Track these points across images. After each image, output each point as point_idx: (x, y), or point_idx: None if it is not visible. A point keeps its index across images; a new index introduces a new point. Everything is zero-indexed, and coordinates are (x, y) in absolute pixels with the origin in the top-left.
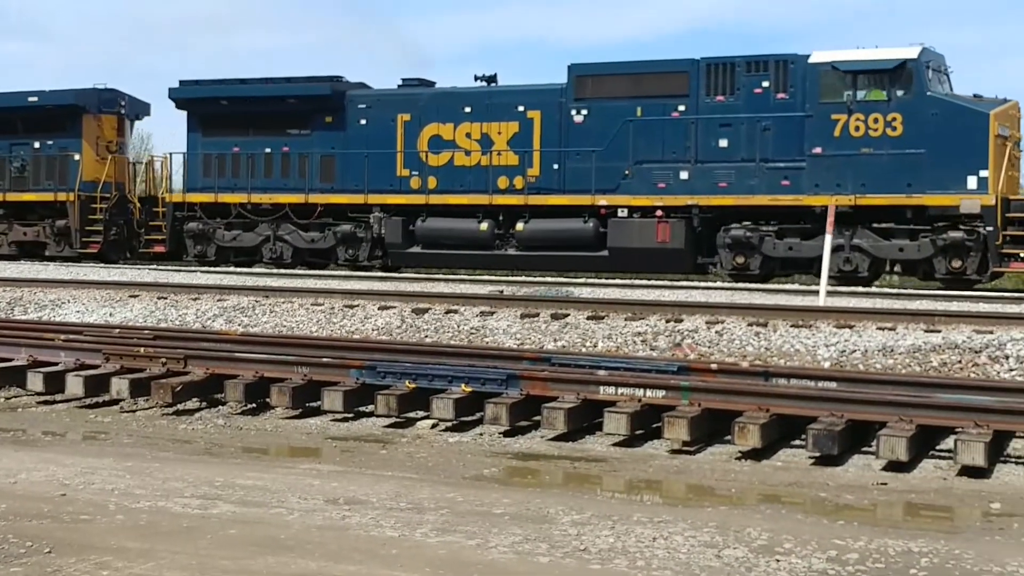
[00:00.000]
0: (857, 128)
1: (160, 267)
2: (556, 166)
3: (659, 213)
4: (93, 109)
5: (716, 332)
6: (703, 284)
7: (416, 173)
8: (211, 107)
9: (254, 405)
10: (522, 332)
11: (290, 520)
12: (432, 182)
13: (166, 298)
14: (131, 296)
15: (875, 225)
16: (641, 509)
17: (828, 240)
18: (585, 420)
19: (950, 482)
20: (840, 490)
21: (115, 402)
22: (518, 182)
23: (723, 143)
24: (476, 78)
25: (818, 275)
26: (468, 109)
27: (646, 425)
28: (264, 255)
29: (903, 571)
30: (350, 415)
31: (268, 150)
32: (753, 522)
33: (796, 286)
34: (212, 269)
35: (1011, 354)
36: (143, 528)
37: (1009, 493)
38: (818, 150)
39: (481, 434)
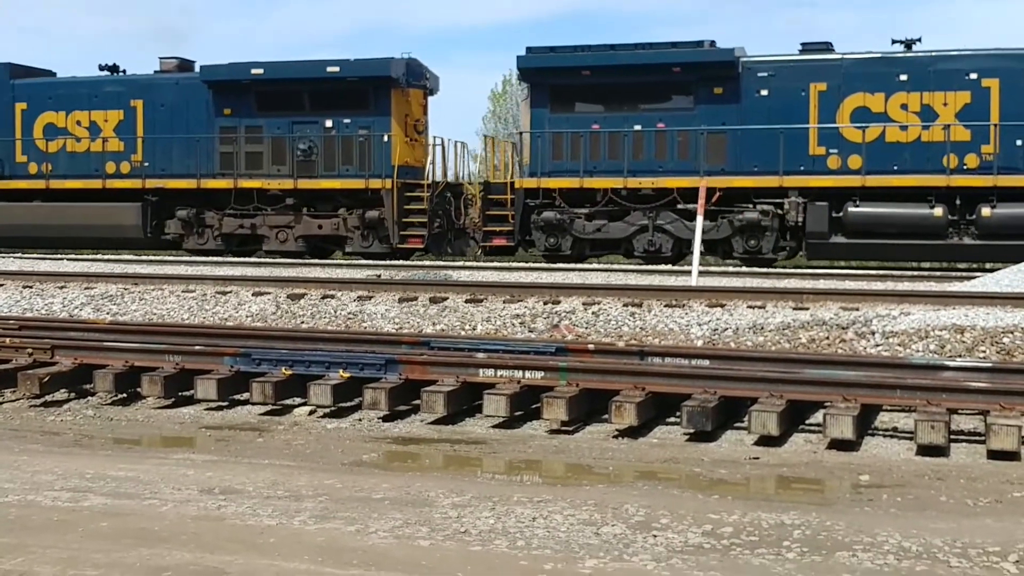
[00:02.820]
0: None
1: (25, 255)
2: (1020, 142)
3: None
4: (402, 82)
5: (593, 313)
6: (579, 266)
7: (835, 151)
8: (567, 78)
9: (125, 395)
10: (400, 316)
11: (164, 511)
12: (855, 161)
13: (31, 287)
14: None
15: None
16: (521, 490)
17: (699, 221)
18: (465, 403)
19: (820, 455)
20: (714, 465)
21: None
22: (970, 160)
23: None
24: (894, 41)
25: None
26: (904, 77)
27: (525, 406)
28: (635, 247)
29: (776, 543)
30: (224, 403)
31: (638, 127)
32: (630, 499)
33: (670, 267)
34: (81, 258)
35: (877, 330)
36: (12, 522)
37: (877, 465)
38: None
39: (360, 419)
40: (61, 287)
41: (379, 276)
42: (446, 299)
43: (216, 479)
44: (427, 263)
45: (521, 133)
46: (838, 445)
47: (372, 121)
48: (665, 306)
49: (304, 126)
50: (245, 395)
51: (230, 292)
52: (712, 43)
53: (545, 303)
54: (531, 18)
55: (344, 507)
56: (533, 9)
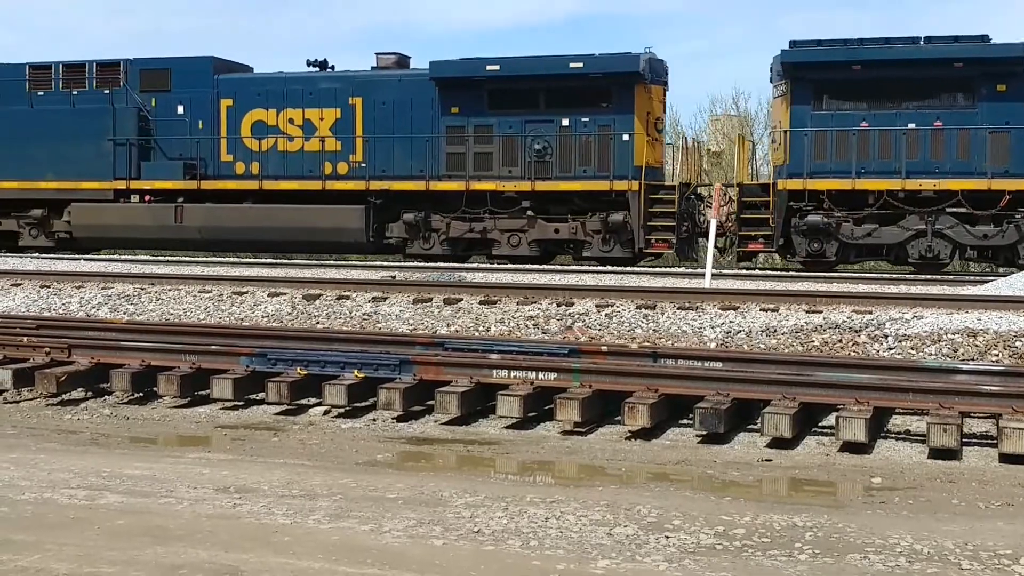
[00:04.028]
0: None
1: (43, 256)
2: None
3: None
4: (647, 78)
5: (606, 315)
6: (593, 268)
7: None
8: (835, 73)
9: (141, 394)
10: (415, 317)
11: (179, 510)
12: None
13: (49, 286)
14: (13, 285)
15: None
16: (534, 490)
17: (713, 224)
18: (478, 404)
19: (832, 458)
20: (726, 467)
21: None
22: None
23: None
24: None
25: None
26: None
27: (538, 407)
28: (910, 253)
29: (788, 545)
30: (240, 403)
31: (912, 125)
32: (643, 500)
33: (683, 269)
34: (98, 258)
35: (890, 333)
36: (29, 520)
37: (889, 468)
38: None
39: (374, 420)
40: (78, 287)
41: (394, 277)
42: (460, 300)
43: (231, 478)
44: (441, 264)
45: (785, 131)
46: (850, 448)
47: (613, 119)
48: (678, 308)
49: (537, 125)
50: (261, 395)
51: (246, 292)
52: (988, 37)
53: (558, 305)
54: (544, 19)
55: (358, 506)
56: (551, 10)
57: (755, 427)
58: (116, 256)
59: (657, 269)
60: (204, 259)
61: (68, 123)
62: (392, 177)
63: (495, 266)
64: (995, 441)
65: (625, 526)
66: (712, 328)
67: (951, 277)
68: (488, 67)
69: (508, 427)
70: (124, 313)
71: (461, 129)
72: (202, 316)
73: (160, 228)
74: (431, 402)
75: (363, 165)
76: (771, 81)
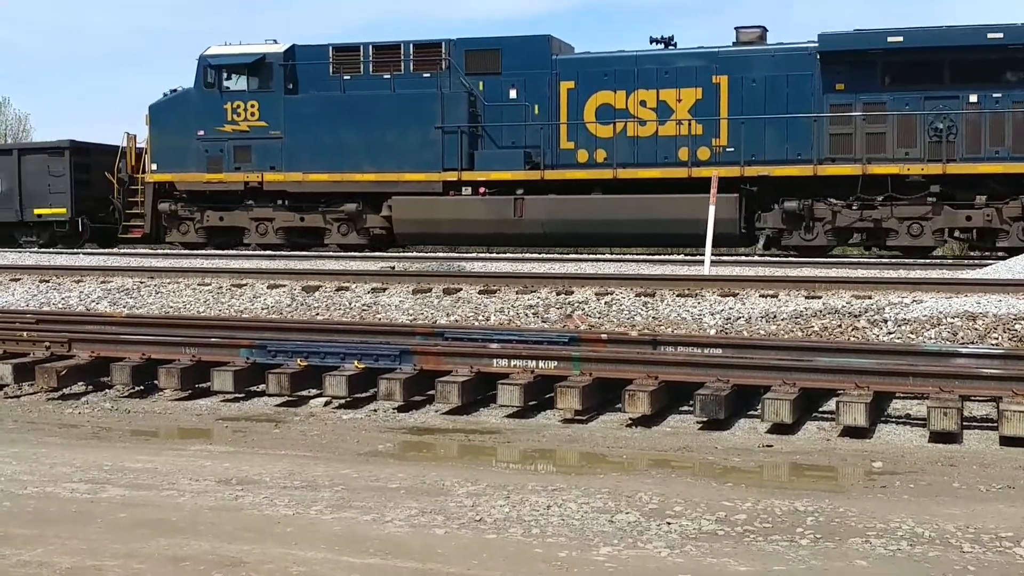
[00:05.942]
0: None
1: (42, 250)
2: None
3: None
4: None
5: (605, 303)
6: (592, 256)
7: None
8: None
9: (142, 387)
10: (414, 308)
11: (181, 502)
12: None
13: (48, 281)
14: (12, 279)
15: None
16: (535, 478)
17: (712, 211)
18: (479, 393)
19: (833, 443)
20: (727, 453)
21: None
22: None
23: None
24: None
25: None
26: None
27: (539, 396)
28: None
29: (790, 530)
30: (241, 395)
31: None
32: (644, 487)
33: (682, 257)
34: (97, 251)
35: (889, 317)
36: (31, 514)
37: (890, 452)
38: None
39: (375, 410)
40: (78, 281)
41: (393, 268)
42: (460, 290)
43: (233, 470)
44: (440, 255)
45: None
46: (851, 432)
47: None
48: (678, 295)
49: (939, 101)
50: (261, 387)
51: (245, 285)
52: None
53: (558, 293)
54: (554, 11)
55: (360, 496)
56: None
57: (755, 413)
58: (115, 250)
59: (656, 257)
60: (203, 253)
61: (386, 109)
62: (764, 162)
63: (494, 255)
64: (995, 424)
65: (627, 513)
66: (712, 315)
67: (950, 261)
68: (890, 38)
69: (509, 416)
70: (124, 307)
71: (847, 107)
72: (202, 309)
73: (497, 223)
74: (431, 392)
75: (729, 149)
76: None
